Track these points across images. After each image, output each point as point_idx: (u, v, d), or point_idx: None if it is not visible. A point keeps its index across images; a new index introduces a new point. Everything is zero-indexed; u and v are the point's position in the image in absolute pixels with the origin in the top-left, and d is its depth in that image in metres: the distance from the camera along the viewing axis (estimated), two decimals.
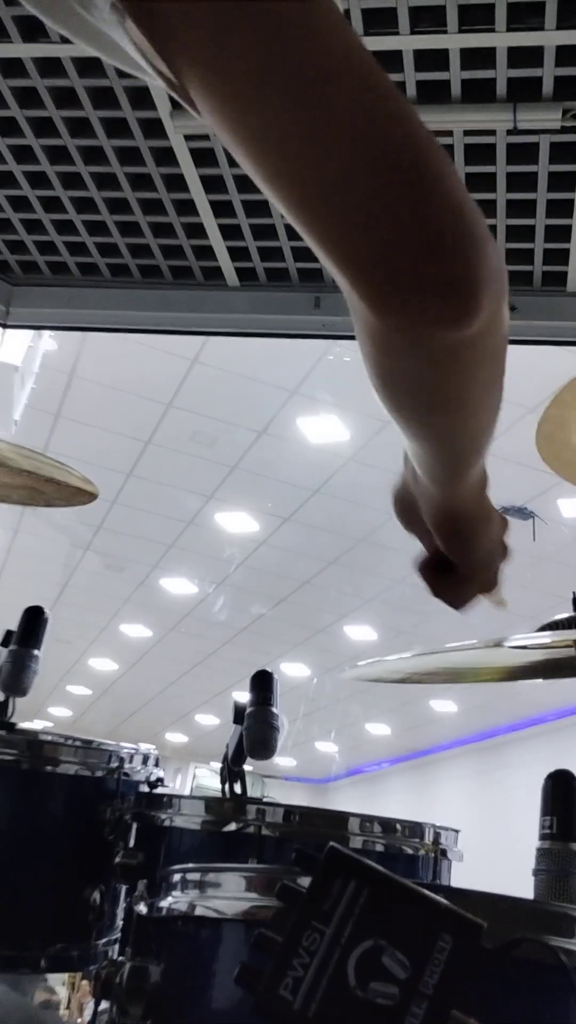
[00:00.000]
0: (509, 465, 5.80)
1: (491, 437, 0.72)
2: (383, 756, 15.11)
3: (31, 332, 4.77)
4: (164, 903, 0.80)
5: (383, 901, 0.57)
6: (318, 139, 0.54)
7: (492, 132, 1.71)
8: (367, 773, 15.98)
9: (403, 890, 0.58)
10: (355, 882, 0.57)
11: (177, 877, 0.80)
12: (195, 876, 0.79)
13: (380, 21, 1.53)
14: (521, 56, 1.58)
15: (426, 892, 0.58)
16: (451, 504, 0.77)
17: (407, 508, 0.83)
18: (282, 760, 14.89)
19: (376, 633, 9.85)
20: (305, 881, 0.60)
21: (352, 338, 2.15)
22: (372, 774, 15.94)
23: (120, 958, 0.81)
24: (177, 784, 15.14)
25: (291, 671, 11.01)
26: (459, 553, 0.82)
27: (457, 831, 1.20)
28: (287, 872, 0.64)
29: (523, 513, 6.45)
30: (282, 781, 15.52)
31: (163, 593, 9.52)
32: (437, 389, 0.62)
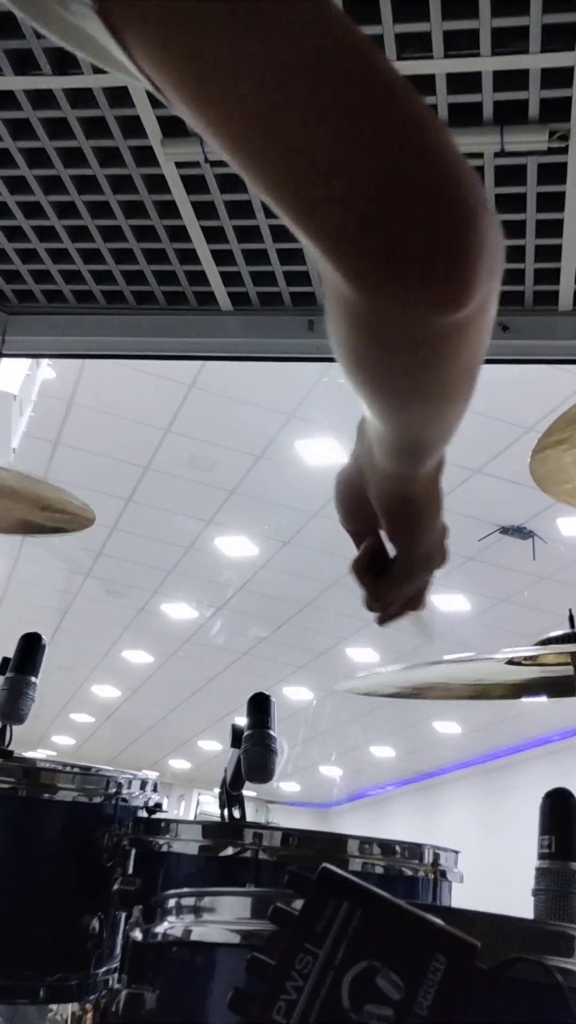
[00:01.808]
0: (508, 485, 5.82)
1: (458, 423, 0.65)
2: (388, 779, 15.03)
3: (29, 360, 4.79)
4: (159, 929, 0.79)
5: (376, 922, 0.57)
6: (288, 102, 0.48)
7: (480, 155, 1.73)
8: (372, 796, 15.88)
9: (397, 910, 0.57)
10: (348, 903, 0.57)
11: (172, 902, 0.80)
12: (190, 901, 0.78)
13: None
14: (506, 79, 1.60)
15: (420, 912, 0.57)
16: (407, 486, 0.72)
17: (350, 494, 0.78)
18: (286, 785, 14.80)
19: (378, 655, 9.82)
20: (299, 904, 0.59)
21: None
22: (377, 797, 15.85)
23: (116, 986, 0.81)
24: (181, 811, 15.06)
25: (293, 695, 10.97)
26: (405, 539, 0.77)
27: (457, 852, 1.20)
28: (282, 895, 0.63)
29: (523, 533, 6.45)
30: (287, 806, 15.43)
31: (164, 618, 9.51)
32: (417, 375, 0.57)
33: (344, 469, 0.80)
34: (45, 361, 5.17)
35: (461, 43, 1.54)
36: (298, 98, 0.48)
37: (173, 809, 14.93)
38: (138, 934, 0.83)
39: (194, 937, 0.76)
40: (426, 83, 1.61)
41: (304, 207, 0.50)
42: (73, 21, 0.55)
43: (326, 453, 6.29)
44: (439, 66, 1.58)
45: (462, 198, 0.49)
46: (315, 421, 5.93)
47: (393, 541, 0.78)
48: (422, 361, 0.56)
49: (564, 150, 1.68)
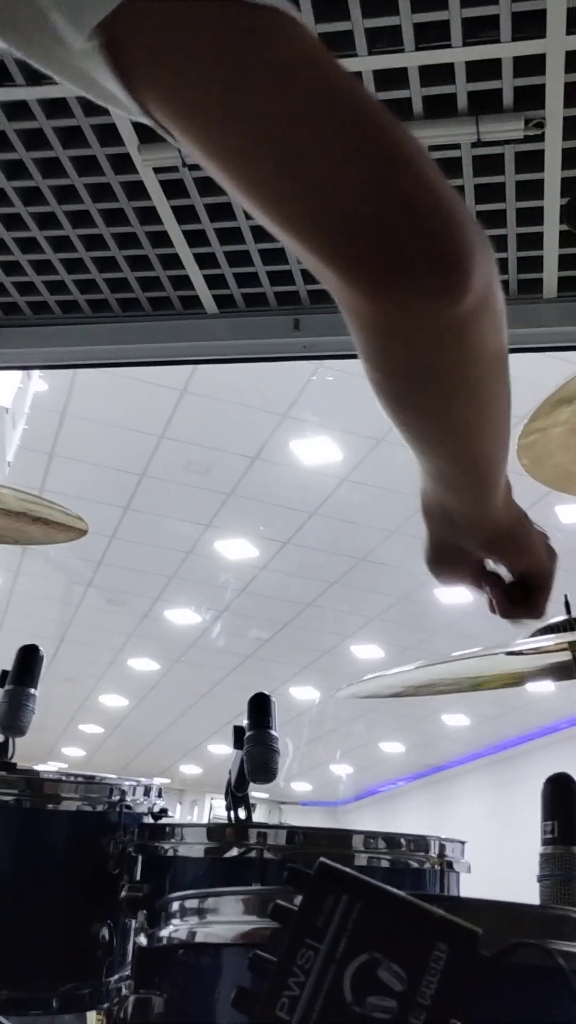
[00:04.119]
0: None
1: (508, 431, 0.69)
2: (398, 774, 15.03)
3: (20, 373, 4.79)
4: (164, 932, 0.79)
5: (376, 914, 0.57)
6: (289, 139, 0.54)
7: (456, 146, 1.73)
8: (383, 792, 15.88)
9: (396, 901, 0.57)
10: (347, 897, 0.57)
11: (176, 906, 0.80)
12: (193, 903, 0.78)
13: (337, 44, 1.55)
14: (479, 69, 1.59)
15: (419, 902, 0.57)
16: (496, 518, 0.75)
17: (447, 559, 0.81)
18: (298, 785, 14.80)
19: (383, 651, 9.83)
20: (300, 900, 0.59)
21: (333, 357, 2.17)
22: (388, 793, 15.85)
23: (125, 992, 0.81)
24: (194, 816, 15.04)
25: (300, 695, 10.97)
26: (525, 560, 0.81)
27: (463, 842, 1.19)
28: (283, 892, 0.63)
29: None
30: (299, 807, 15.43)
31: (168, 625, 9.51)
32: (443, 373, 0.61)
33: (427, 549, 0.82)
34: (36, 373, 5.18)
35: (432, 35, 1.54)
36: (314, 153, 0.54)
37: (186, 815, 14.94)
38: (143, 939, 0.83)
39: (199, 939, 0.76)
40: (399, 77, 1.61)
41: (314, 233, 0.55)
42: (74, 63, 0.57)
43: (321, 452, 6.30)
44: (411, 59, 1.58)
45: (447, 208, 0.55)
46: (308, 421, 5.94)
47: (517, 568, 0.82)
48: (445, 358, 0.59)
49: (540, 137, 1.68)
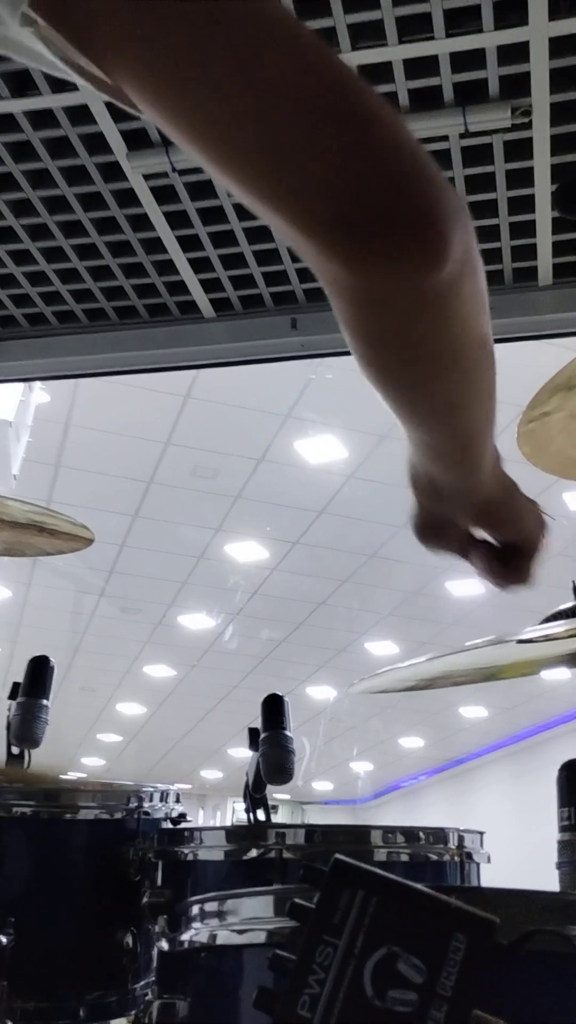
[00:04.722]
0: (512, 465, 5.78)
1: (494, 403, 0.68)
2: (419, 769, 15.01)
3: (21, 386, 4.80)
4: (184, 937, 0.79)
5: (393, 907, 0.57)
6: (260, 108, 0.53)
7: (445, 138, 1.73)
8: (405, 788, 15.86)
9: (412, 894, 0.57)
10: (363, 892, 0.57)
11: (195, 909, 0.80)
12: (212, 906, 0.78)
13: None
14: (464, 60, 1.59)
15: (435, 893, 0.57)
16: (482, 489, 0.75)
17: (434, 528, 0.81)
18: (319, 785, 14.79)
19: (398, 647, 9.82)
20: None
21: (332, 354, 2.16)
22: (410, 788, 15.83)
23: (149, 997, 0.81)
24: (217, 821, 15.05)
25: (317, 694, 10.96)
26: (514, 530, 0.80)
27: (482, 833, 1.19)
28: (301, 891, 0.63)
29: None
30: (321, 806, 15.42)
31: (182, 630, 9.51)
32: (426, 342, 0.60)
33: (415, 516, 0.82)
34: (38, 385, 5.18)
35: (415, 28, 1.54)
36: (286, 121, 0.53)
37: (208, 819, 14.94)
38: (164, 944, 0.83)
39: (220, 941, 0.76)
40: (383, 71, 1.61)
41: (293, 204, 0.54)
42: (12, 37, 0.56)
43: (326, 450, 6.29)
44: (395, 53, 1.57)
45: (423, 174, 0.54)
46: (311, 420, 5.94)
47: (504, 538, 0.81)
48: (427, 324, 0.58)
49: (528, 125, 1.67)
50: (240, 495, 6.85)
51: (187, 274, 2.07)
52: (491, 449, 0.73)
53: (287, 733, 1.29)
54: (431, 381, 0.63)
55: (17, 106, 1.70)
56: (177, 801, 1.37)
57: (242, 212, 1.93)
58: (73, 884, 1.26)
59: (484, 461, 0.73)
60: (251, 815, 1.29)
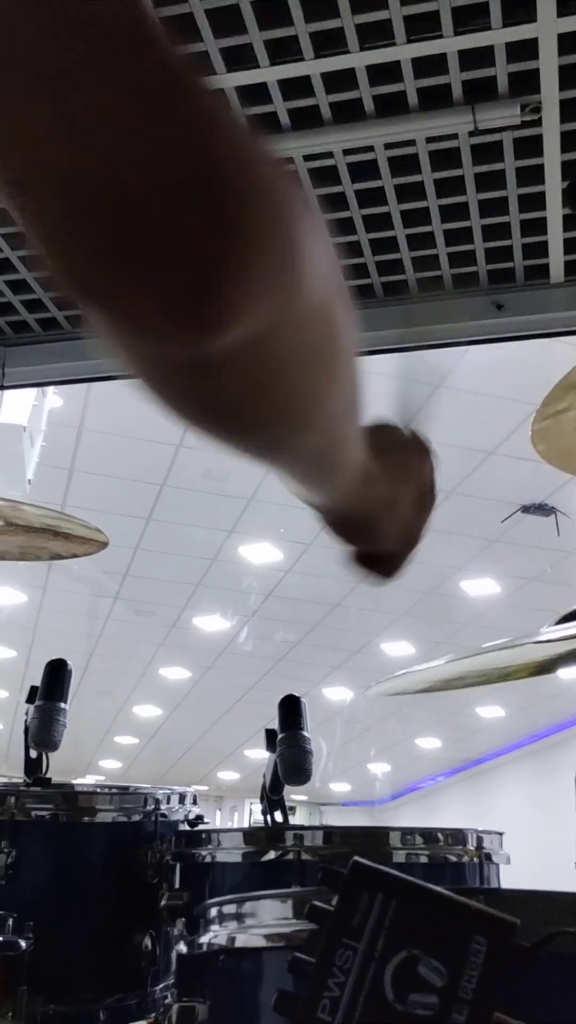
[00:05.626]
0: (524, 463, 5.79)
1: (345, 423, 0.58)
2: (437, 770, 14.98)
3: (34, 391, 4.81)
4: (203, 939, 0.79)
5: (412, 910, 0.56)
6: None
7: (454, 136, 1.72)
8: (423, 789, 15.83)
9: (431, 897, 0.57)
10: (382, 894, 0.57)
11: (214, 912, 0.80)
12: (231, 909, 0.78)
13: (328, 42, 1.54)
14: (472, 58, 1.59)
15: (455, 896, 0.57)
16: (341, 511, 0.71)
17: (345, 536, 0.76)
18: (336, 786, 14.78)
19: (413, 647, 9.80)
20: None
21: None
22: (428, 789, 15.79)
23: (168, 1000, 0.81)
24: (234, 822, 15.05)
25: (334, 695, 10.96)
26: (368, 543, 0.76)
27: (501, 833, 1.19)
28: (320, 893, 0.63)
29: (544, 510, 6.41)
30: (339, 807, 15.41)
31: (197, 632, 9.52)
32: (224, 395, 0.48)
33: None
34: (51, 389, 5.20)
35: (422, 27, 1.54)
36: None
37: (226, 821, 14.95)
38: (183, 947, 0.83)
39: (238, 944, 0.76)
40: (392, 70, 1.60)
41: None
42: None
43: None
44: (403, 52, 1.57)
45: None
46: None
47: (364, 550, 0.78)
48: (218, 382, 0.47)
49: (537, 122, 1.67)
50: (253, 497, 6.85)
51: None
52: (353, 466, 0.65)
53: (304, 734, 1.28)
54: (251, 429, 0.53)
55: None
56: (194, 803, 1.37)
57: None
58: (91, 887, 1.26)
59: (341, 482, 0.67)
60: (269, 817, 1.29)
